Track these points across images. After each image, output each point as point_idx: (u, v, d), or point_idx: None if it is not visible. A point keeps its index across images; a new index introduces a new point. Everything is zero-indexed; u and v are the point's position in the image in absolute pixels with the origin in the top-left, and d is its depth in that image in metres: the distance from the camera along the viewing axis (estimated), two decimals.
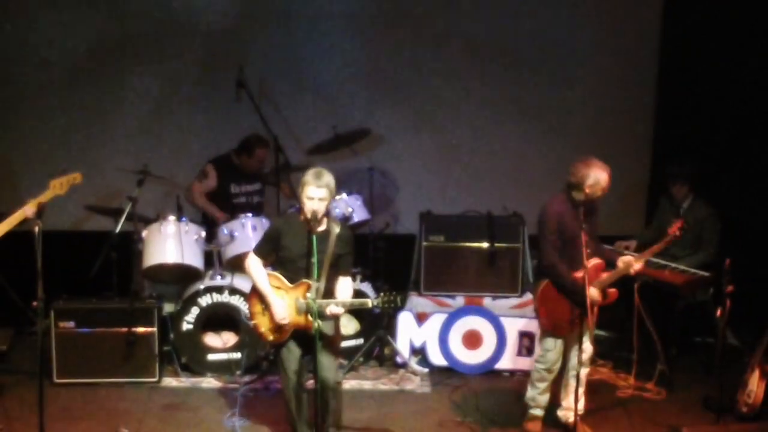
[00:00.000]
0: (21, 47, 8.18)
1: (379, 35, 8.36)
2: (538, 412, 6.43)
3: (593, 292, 6.03)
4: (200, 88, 8.37)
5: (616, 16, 8.32)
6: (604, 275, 6.11)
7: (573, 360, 6.25)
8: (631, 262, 6.09)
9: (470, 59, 8.40)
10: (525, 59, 8.41)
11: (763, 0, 7.80)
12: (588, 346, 6.20)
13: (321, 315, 5.60)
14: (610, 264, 6.15)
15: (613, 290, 6.12)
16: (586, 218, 6.02)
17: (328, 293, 5.77)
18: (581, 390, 6.08)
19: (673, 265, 7.07)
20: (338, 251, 5.76)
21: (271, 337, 5.91)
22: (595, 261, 6.12)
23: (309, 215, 5.64)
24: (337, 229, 5.76)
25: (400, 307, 5.92)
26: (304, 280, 5.70)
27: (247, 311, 6.93)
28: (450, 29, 8.36)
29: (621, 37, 8.34)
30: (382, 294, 5.71)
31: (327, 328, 5.79)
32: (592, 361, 7.20)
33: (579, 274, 6.03)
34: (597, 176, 6.03)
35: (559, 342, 6.28)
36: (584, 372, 6.17)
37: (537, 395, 6.39)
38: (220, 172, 7.63)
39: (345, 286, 5.86)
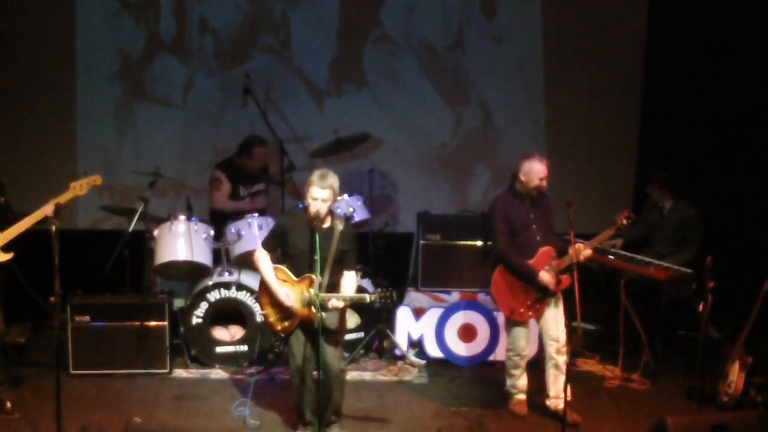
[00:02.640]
0: (41, 52, 8.18)
1: (378, 46, 8.36)
2: (521, 396, 6.51)
3: (547, 276, 6.11)
4: (208, 95, 8.37)
5: (603, 25, 8.32)
6: (555, 262, 6.22)
7: (549, 349, 6.32)
8: (580, 249, 6.15)
9: (466, 67, 8.41)
10: (516, 67, 8.41)
11: (744, 10, 7.79)
12: (561, 335, 6.24)
13: (324, 308, 5.62)
14: (563, 253, 6.23)
15: (565, 276, 6.19)
16: (536, 208, 6.29)
17: (333, 287, 5.78)
18: (562, 379, 6.10)
19: (657, 262, 7.07)
20: (342, 248, 5.77)
21: (279, 327, 5.93)
22: (545, 248, 6.27)
23: (312, 214, 5.66)
24: (340, 227, 5.78)
25: (396, 302, 5.96)
26: (308, 275, 5.71)
27: (255, 304, 7.01)
28: (444, 40, 8.37)
29: (608, 44, 8.34)
30: (379, 290, 5.74)
31: (330, 320, 5.81)
32: (579, 353, 7.24)
33: (531, 261, 6.22)
34: (531, 165, 6.24)
35: (523, 328, 6.37)
36: (562, 360, 6.19)
37: (516, 382, 6.49)
38: (229, 176, 7.61)
39: (349, 281, 5.86)
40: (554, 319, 6.29)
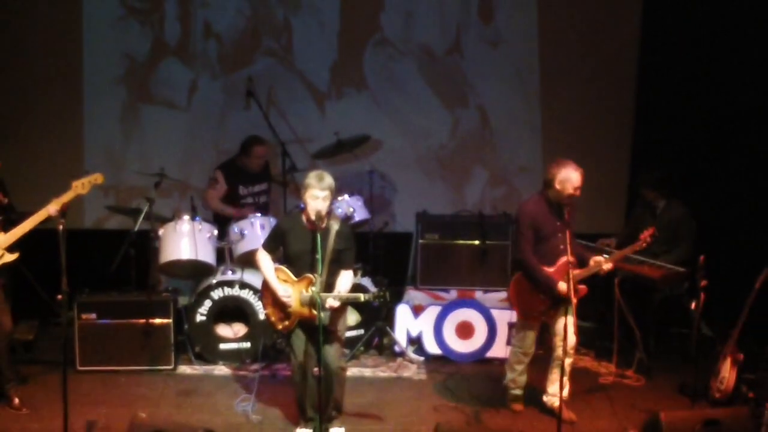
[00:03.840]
0: (49, 55, 8.18)
1: (378, 50, 8.36)
2: (519, 392, 6.49)
3: (563, 286, 6.04)
4: (212, 97, 8.37)
5: (597, 30, 8.32)
6: (576, 271, 6.08)
7: (558, 350, 6.26)
8: (601, 263, 6.11)
9: (464, 71, 8.41)
10: (513, 70, 8.41)
11: (734, 16, 7.78)
12: (571, 337, 6.19)
13: (323, 307, 5.62)
14: (582, 261, 6.17)
15: (582, 287, 6.12)
16: (562, 217, 6.05)
17: (331, 287, 5.78)
18: (565, 378, 6.09)
19: (651, 261, 7.07)
20: (338, 247, 5.77)
21: (280, 326, 5.93)
22: (566, 258, 6.09)
23: (313, 215, 5.65)
24: (336, 226, 5.77)
25: (388, 302, 5.97)
26: (308, 275, 5.70)
27: (257, 302, 7.00)
28: (442, 44, 8.36)
29: (603, 48, 8.34)
30: (372, 292, 5.79)
31: (331, 318, 5.81)
32: (576, 351, 7.22)
33: (550, 269, 6.11)
34: (567, 173, 6.03)
35: (533, 330, 6.33)
36: (568, 361, 6.16)
37: (516, 377, 6.45)
38: (228, 176, 7.61)
39: (344, 279, 5.85)
40: (566, 323, 6.23)
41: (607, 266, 6.12)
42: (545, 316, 6.25)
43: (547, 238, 6.13)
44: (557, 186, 6.05)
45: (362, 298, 5.77)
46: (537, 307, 6.22)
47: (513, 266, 6.39)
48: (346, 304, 5.90)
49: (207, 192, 7.67)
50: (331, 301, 5.67)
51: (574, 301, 6.04)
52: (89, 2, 8.18)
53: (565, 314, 6.00)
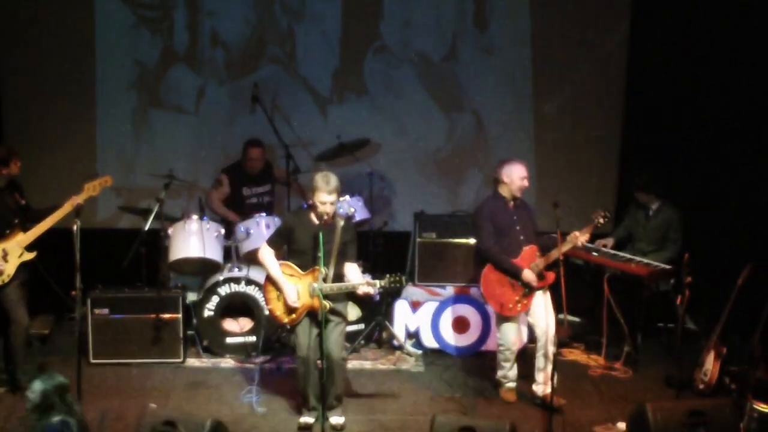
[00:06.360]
0: (63, 63, 8.21)
1: (377, 57, 8.38)
2: (511, 384, 6.54)
3: (530, 275, 6.16)
4: (219, 102, 8.38)
5: (588, 38, 8.33)
6: (539, 259, 6.25)
7: (540, 341, 6.34)
8: (577, 236, 6.17)
9: (459, 77, 8.42)
10: (507, 76, 8.42)
11: (725, 18, 7.79)
12: (551, 328, 6.25)
13: (329, 297, 5.73)
14: (546, 250, 6.29)
15: (549, 273, 6.24)
16: (518, 211, 6.30)
17: (339, 277, 5.87)
18: (550, 367, 6.13)
19: (638, 259, 7.10)
20: (343, 240, 5.85)
21: (285, 320, 5.98)
22: (529, 247, 6.29)
23: (324, 216, 5.77)
24: (341, 222, 5.86)
25: (405, 285, 6.02)
26: (316, 267, 5.77)
27: (262, 298, 7.02)
28: (439, 51, 8.38)
29: (593, 54, 8.34)
30: (388, 275, 5.80)
31: (336, 308, 5.90)
32: (565, 344, 7.27)
33: (516, 260, 6.25)
34: (511, 167, 6.29)
35: (512, 323, 6.38)
36: (552, 350, 6.21)
37: (507, 372, 6.51)
38: (232, 178, 7.64)
39: (355, 271, 5.95)
40: (543, 312, 6.31)
41: (583, 238, 6.22)
42: (520, 306, 6.29)
43: (504, 232, 6.30)
44: (505, 180, 6.27)
45: (378, 284, 5.81)
46: (511, 297, 6.28)
47: (479, 261, 6.45)
48: (353, 300, 5.93)
49: (210, 192, 7.71)
50: (366, 288, 5.75)
51: (542, 284, 6.20)
52: (102, 11, 8.18)
53: (545, 304, 6.15)
